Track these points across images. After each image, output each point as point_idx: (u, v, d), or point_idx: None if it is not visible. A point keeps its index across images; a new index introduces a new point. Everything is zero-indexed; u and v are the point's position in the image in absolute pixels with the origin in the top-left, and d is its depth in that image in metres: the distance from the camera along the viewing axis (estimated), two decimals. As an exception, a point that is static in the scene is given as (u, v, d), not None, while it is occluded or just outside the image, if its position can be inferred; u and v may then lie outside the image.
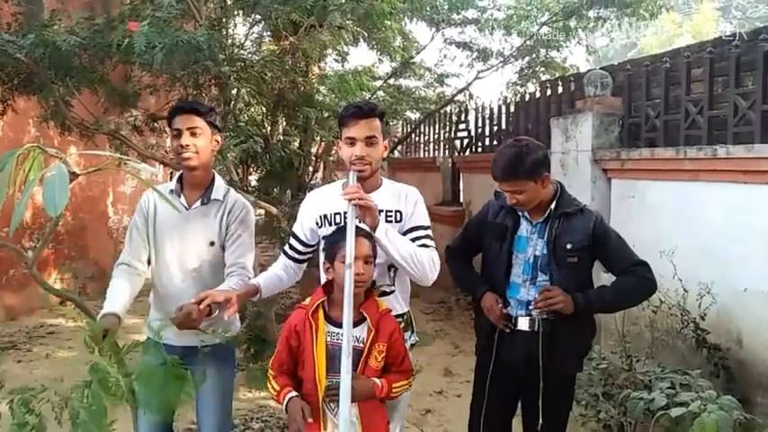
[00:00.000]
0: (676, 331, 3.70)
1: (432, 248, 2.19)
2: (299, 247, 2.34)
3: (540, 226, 2.37)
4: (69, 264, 6.91)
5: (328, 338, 2.00)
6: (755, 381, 3.35)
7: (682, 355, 3.77)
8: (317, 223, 2.26)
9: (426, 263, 2.12)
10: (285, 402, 1.97)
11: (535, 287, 2.36)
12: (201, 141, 2.33)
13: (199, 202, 2.40)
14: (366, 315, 2.00)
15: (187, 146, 2.30)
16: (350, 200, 1.97)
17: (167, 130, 2.47)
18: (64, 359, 5.01)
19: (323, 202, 2.28)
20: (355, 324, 1.98)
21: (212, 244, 2.41)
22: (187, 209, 2.39)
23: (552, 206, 2.36)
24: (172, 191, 2.39)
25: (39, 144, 1.56)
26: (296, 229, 2.36)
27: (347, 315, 1.82)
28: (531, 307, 2.33)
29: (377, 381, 1.99)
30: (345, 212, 2.16)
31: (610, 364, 3.45)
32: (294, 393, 1.98)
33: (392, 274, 2.24)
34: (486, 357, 2.47)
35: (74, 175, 1.63)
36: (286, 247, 2.38)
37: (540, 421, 2.40)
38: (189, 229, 2.38)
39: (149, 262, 2.45)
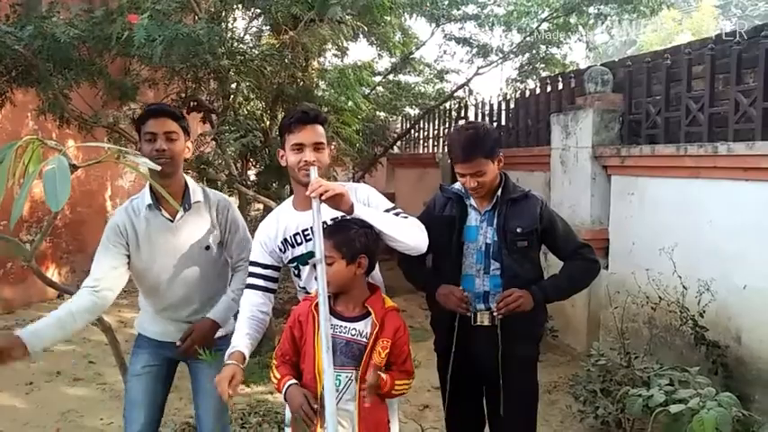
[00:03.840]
0: (675, 328, 3.71)
1: (411, 217, 2.16)
2: (271, 274, 2.21)
3: (488, 214, 2.37)
4: (68, 257, 6.91)
5: (330, 331, 1.99)
6: (754, 378, 3.36)
7: (680, 352, 3.77)
8: (281, 249, 2.20)
9: (416, 228, 2.11)
10: (284, 390, 1.96)
11: (489, 277, 2.35)
12: (177, 146, 2.26)
13: (182, 211, 2.31)
14: (371, 310, 1.98)
15: (164, 150, 2.19)
16: (317, 195, 1.91)
17: (138, 134, 2.33)
18: (62, 353, 5.00)
19: (280, 229, 2.20)
20: (359, 318, 1.98)
21: (208, 248, 2.36)
22: (171, 221, 2.30)
23: (498, 193, 2.36)
24: (150, 205, 2.28)
25: (38, 136, 1.55)
26: (258, 258, 2.21)
27: (323, 307, 1.82)
28: (494, 313, 2.30)
29: (382, 374, 1.97)
30: (305, 229, 2.15)
31: (608, 361, 3.45)
32: (293, 381, 1.97)
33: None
34: (447, 354, 2.44)
35: (73, 168, 1.61)
36: (255, 280, 2.20)
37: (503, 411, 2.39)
38: (179, 240, 2.31)
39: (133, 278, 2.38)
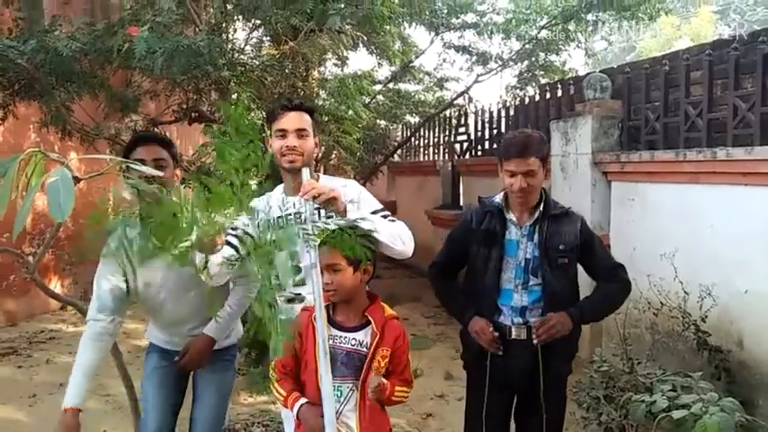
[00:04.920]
0: (677, 333, 3.70)
1: (399, 222, 2.17)
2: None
3: (529, 229, 2.36)
4: (70, 269, 6.92)
5: (331, 342, 1.99)
6: (757, 382, 3.35)
7: (683, 358, 3.76)
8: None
9: (404, 234, 2.11)
10: (296, 409, 1.95)
11: (527, 292, 2.35)
12: (166, 174, 2.19)
13: None
14: (371, 319, 1.98)
15: (153, 178, 2.15)
16: (309, 197, 1.91)
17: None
18: (65, 364, 4.99)
19: (266, 209, 2.22)
20: (359, 328, 1.98)
21: None
22: None
23: (540, 208, 2.37)
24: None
25: (40, 149, 1.56)
26: (240, 225, 2.16)
27: (319, 313, 1.82)
28: (534, 341, 2.30)
29: (383, 379, 1.97)
30: (289, 214, 2.18)
31: (611, 367, 3.44)
32: (305, 400, 1.96)
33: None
34: (480, 372, 2.43)
35: (75, 180, 1.62)
36: (231, 239, 2.13)
37: (540, 426, 2.41)
38: (172, 269, 2.24)
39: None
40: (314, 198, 1.92)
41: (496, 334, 2.32)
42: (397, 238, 2.09)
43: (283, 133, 2.14)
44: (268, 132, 2.26)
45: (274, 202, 2.24)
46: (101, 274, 2.26)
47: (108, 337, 2.21)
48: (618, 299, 2.49)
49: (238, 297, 2.34)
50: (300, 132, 2.14)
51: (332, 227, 2.02)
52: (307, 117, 2.18)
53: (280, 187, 2.31)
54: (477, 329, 2.34)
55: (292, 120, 2.14)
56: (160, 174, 1.81)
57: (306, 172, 2.05)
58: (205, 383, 2.39)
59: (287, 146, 2.12)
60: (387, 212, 2.20)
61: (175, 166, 2.31)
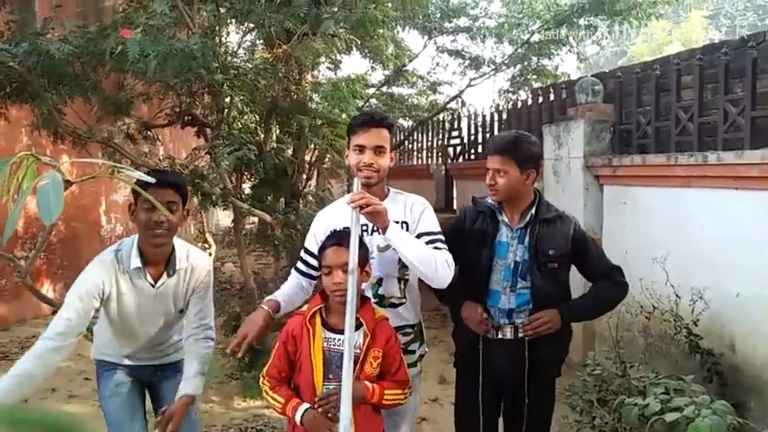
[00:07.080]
0: (669, 337, 3.71)
1: (444, 250, 2.16)
2: (312, 261, 2.30)
3: (520, 232, 2.37)
4: (62, 273, 6.88)
5: (325, 344, 2.00)
6: (748, 385, 3.36)
7: (675, 361, 3.78)
8: None
9: (439, 262, 2.09)
10: (300, 414, 1.95)
11: (515, 294, 2.36)
12: (176, 217, 2.21)
13: (165, 276, 2.28)
14: (362, 321, 1.99)
15: (162, 222, 2.14)
16: (356, 206, 1.96)
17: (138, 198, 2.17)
18: (57, 370, 4.95)
19: (332, 218, 2.26)
20: None
21: (182, 311, 2.38)
22: (153, 286, 2.27)
23: (532, 211, 2.37)
24: (139, 268, 2.23)
25: (32, 152, 1.55)
26: (308, 243, 2.33)
27: (350, 317, 1.82)
28: (521, 334, 2.33)
29: (368, 384, 1.98)
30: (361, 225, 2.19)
31: (604, 371, 3.46)
32: (308, 405, 1.96)
33: (402, 286, 2.25)
34: (469, 367, 2.44)
35: (67, 184, 1.62)
36: (299, 264, 2.34)
37: (524, 426, 2.43)
38: (157, 304, 2.31)
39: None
40: (360, 208, 1.96)
41: (486, 315, 2.33)
42: (431, 264, 2.07)
43: (361, 149, 2.17)
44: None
45: (345, 211, 2.23)
46: (74, 293, 2.18)
47: (55, 355, 2.14)
48: (611, 299, 2.49)
49: (202, 353, 2.34)
50: (378, 149, 2.18)
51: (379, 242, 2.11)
52: (385, 133, 2.21)
53: (347, 197, 2.33)
54: (465, 315, 2.36)
55: (372, 137, 2.17)
56: (150, 180, 1.81)
57: (357, 181, 2.12)
58: (165, 395, 2.40)
59: (364, 162, 2.16)
60: (439, 238, 2.19)
61: (184, 207, 2.30)
